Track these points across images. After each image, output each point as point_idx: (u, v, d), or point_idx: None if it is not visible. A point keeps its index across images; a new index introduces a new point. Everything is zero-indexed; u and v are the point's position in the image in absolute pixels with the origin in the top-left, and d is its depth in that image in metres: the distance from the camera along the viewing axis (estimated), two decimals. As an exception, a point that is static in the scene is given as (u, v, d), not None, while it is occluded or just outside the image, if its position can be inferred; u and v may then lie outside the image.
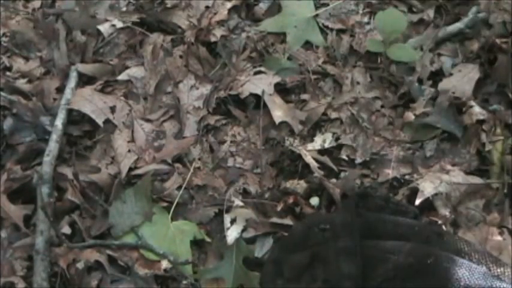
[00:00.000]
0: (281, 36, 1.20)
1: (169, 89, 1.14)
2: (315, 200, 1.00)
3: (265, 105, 1.09)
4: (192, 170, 1.04)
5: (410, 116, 1.06)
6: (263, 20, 1.22)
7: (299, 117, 1.09)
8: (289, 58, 1.16)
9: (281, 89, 1.12)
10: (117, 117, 1.10)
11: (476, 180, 0.98)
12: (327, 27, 1.20)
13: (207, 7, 1.24)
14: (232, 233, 0.96)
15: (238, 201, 0.99)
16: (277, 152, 1.06)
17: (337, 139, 1.07)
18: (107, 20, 1.23)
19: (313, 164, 1.03)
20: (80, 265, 0.95)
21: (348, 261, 0.74)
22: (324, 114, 1.10)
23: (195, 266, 0.96)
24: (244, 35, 1.20)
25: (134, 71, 1.16)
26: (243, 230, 0.97)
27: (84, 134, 1.10)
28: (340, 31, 1.20)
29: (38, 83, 1.16)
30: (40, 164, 1.04)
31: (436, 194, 0.95)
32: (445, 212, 0.95)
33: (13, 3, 1.30)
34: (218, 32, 1.19)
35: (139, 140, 1.08)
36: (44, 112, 1.11)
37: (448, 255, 0.72)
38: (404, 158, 1.04)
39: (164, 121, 1.11)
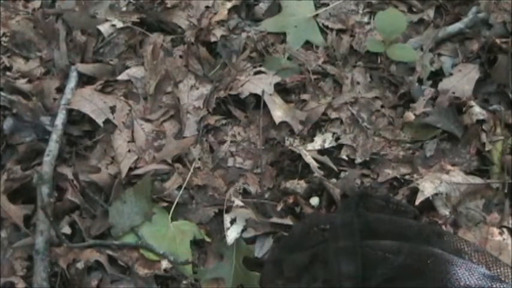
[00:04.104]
0: (281, 36, 1.20)
1: (169, 89, 1.14)
2: (315, 200, 1.00)
3: (265, 105, 1.09)
4: (192, 170, 1.04)
5: (410, 116, 1.06)
6: (263, 20, 1.22)
7: (299, 117, 1.09)
8: (289, 58, 1.16)
9: (281, 89, 1.12)
10: (117, 117, 1.10)
11: (476, 180, 0.98)
12: (327, 27, 1.20)
13: (207, 7, 1.24)
14: (232, 233, 0.96)
15: (238, 201, 0.99)
16: (277, 152, 1.06)
17: (337, 139, 1.07)
18: (107, 20, 1.23)
19: (313, 164, 1.03)
20: (80, 265, 0.95)
21: (348, 261, 0.74)
22: (324, 114, 1.10)
23: (195, 266, 0.96)
24: (244, 35, 1.20)
25: (134, 71, 1.16)
26: (243, 230, 0.97)
27: (84, 134, 1.10)
28: (340, 31, 1.20)
29: (38, 83, 1.16)
30: (40, 164, 1.04)
31: (436, 194, 0.95)
32: (445, 212, 0.95)
33: (13, 3, 1.30)
34: (218, 32, 1.19)
35: (139, 140, 1.08)
36: (44, 112, 1.11)
37: (448, 255, 0.72)
38: (404, 158, 1.04)
39: (164, 121, 1.11)
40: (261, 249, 0.96)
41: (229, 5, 1.23)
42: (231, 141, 1.08)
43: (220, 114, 1.11)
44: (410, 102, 1.09)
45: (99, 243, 0.97)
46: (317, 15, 1.21)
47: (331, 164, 1.03)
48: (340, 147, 1.06)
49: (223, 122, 1.10)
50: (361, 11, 1.22)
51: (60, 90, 1.15)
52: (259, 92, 1.09)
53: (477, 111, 1.03)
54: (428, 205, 0.96)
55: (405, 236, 0.79)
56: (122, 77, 1.15)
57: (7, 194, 1.01)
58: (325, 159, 1.04)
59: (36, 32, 1.24)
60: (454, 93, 1.08)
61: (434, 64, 1.13)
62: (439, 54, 1.15)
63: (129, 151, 1.06)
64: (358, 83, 1.13)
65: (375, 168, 1.03)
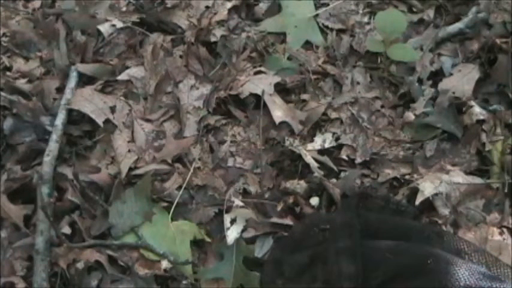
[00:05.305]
0: (281, 36, 1.20)
1: (169, 89, 1.14)
2: (315, 200, 1.00)
3: (265, 105, 1.09)
4: (192, 170, 1.04)
5: (410, 116, 1.07)
6: (263, 20, 1.22)
7: (299, 117, 1.09)
8: (289, 58, 1.16)
9: (281, 89, 1.12)
10: (117, 117, 1.10)
11: (476, 180, 0.98)
12: (327, 27, 1.20)
13: (207, 7, 1.24)
14: (232, 233, 0.96)
15: (238, 201, 0.99)
16: (277, 152, 1.06)
17: (337, 139, 1.07)
18: (107, 20, 1.23)
19: (313, 164, 1.03)
20: (80, 265, 0.95)
21: (348, 261, 0.74)
22: (324, 114, 1.10)
23: (195, 266, 0.96)
24: (244, 35, 1.20)
25: (134, 71, 1.16)
26: (243, 230, 0.97)
27: (84, 134, 1.10)
28: (340, 31, 1.20)
29: (38, 83, 1.16)
30: (40, 164, 1.04)
31: (436, 194, 0.95)
32: (445, 212, 0.95)
33: (13, 3, 1.30)
34: (218, 32, 1.19)
35: (139, 140, 1.08)
36: (44, 112, 1.11)
37: (448, 255, 0.72)
38: (404, 158, 1.04)
39: (164, 121, 1.11)
40: (261, 249, 0.96)
41: (229, 5, 1.23)
42: (231, 141, 1.08)
43: (220, 114, 1.11)
44: (410, 102, 1.09)
45: (99, 243, 0.97)
46: (317, 15, 1.21)
47: (331, 164, 1.03)
48: (340, 147, 1.06)
49: (223, 122, 1.10)
50: (361, 11, 1.22)
51: (60, 90, 1.15)
52: (259, 92, 1.09)
53: (477, 111, 1.03)
54: (428, 205, 0.96)
55: (405, 236, 0.79)
56: (122, 77, 1.15)
57: (7, 194, 1.01)
58: (325, 159, 1.04)
59: (36, 32, 1.24)
60: (454, 93, 1.08)
61: (434, 64, 1.13)
62: (439, 54, 1.15)
63: (129, 151, 1.06)
64: (358, 83, 1.13)
65: (375, 168, 1.03)
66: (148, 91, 1.13)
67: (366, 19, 1.21)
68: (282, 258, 0.84)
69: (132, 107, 1.12)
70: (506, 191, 0.97)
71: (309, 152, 1.04)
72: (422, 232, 0.80)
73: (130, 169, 1.04)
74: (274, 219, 0.98)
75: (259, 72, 1.13)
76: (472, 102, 1.05)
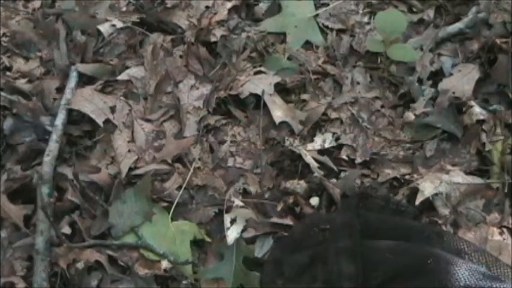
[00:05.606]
0: (281, 36, 1.20)
1: (169, 89, 1.14)
2: (315, 200, 1.00)
3: (265, 105, 1.09)
4: (192, 170, 1.04)
5: (410, 116, 1.07)
6: (263, 20, 1.22)
7: (299, 117, 1.09)
8: (289, 58, 1.16)
9: (281, 89, 1.12)
10: (117, 117, 1.10)
11: (476, 180, 0.98)
12: (327, 27, 1.20)
13: (207, 7, 1.24)
14: (232, 233, 0.96)
15: (238, 201, 0.99)
16: (277, 152, 1.06)
17: (337, 139, 1.07)
18: (107, 20, 1.23)
19: (313, 164, 1.03)
20: (80, 265, 0.95)
21: (348, 261, 0.74)
22: (324, 114, 1.10)
23: (195, 266, 0.96)
24: (244, 35, 1.20)
25: (134, 71, 1.16)
26: (243, 230, 0.97)
27: (84, 134, 1.10)
28: (340, 31, 1.20)
29: (38, 83, 1.16)
30: (40, 164, 1.04)
31: (436, 194, 0.95)
32: (445, 212, 0.95)
33: (13, 3, 1.30)
34: (218, 32, 1.19)
35: (139, 140, 1.08)
36: (44, 112, 1.11)
37: (448, 255, 0.72)
38: (404, 158, 1.04)
39: (164, 121, 1.11)
40: (261, 249, 0.96)
41: (229, 5, 1.23)
42: (231, 141, 1.08)
43: (220, 114, 1.11)
44: (410, 102, 1.09)
45: (99, 243, 0.97)
46: (317, 15, 1.21)
47: (331, 164, 1.03)
48: (340, 147, 1.06)
49: (223, 122, 1.10)
50: (361, 11, 1.22)
51: (60, 90, 1.15)
52: (259, 92, 1.09)
53: (477, 111, 1.03)
54: (428, 205, 0.96)
55: (405, 236, 0.79)
56: (122, 77, 1.15)
57: (7, 194, 1.01)
58: (325, 159, 1.04)
59: (36, 32, 1.24)
60: (454, 93, 1.08)
61: (434, 64, 1.13)
62: (439, 54, 1.15)
63: (129, 151, 1.06)
64: (358, 83, 1.13)
65: (375, 168, 1.03)
66: (148, 91, 1.13)
67: (366, 19, 1.21)
68: (282, 258, 0.84)
69: (132, 107, 1.12)
70: (506, 191, 0.97)
71: (309, 152, 1.04)
72: (422, 232, 0.80)
73: (131, 169, 1.04)
74: (274, 219, 0.98)
75: (259, 72, 1.13)
76: (472, 102, 1.05)
